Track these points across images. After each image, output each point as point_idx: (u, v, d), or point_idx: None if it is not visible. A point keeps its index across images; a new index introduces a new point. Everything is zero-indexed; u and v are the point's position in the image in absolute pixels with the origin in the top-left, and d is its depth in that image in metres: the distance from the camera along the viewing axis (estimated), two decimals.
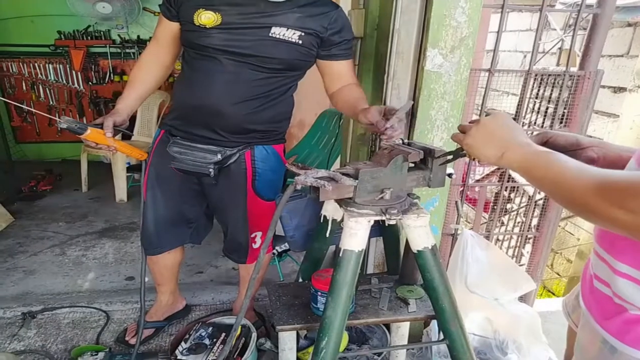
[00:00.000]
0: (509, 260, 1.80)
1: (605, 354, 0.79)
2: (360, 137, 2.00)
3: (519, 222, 2.37)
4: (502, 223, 2.37)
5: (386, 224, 1.19)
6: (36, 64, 4.62)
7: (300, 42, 1.47)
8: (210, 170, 1.54)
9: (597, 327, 0.81)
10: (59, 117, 1.35)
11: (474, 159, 0.96)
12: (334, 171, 1.18)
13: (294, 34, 1.45)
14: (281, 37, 1.44)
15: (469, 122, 0.94)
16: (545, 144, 0.95)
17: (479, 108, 1.75)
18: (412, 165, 1.21)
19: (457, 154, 1.08)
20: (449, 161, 1.15)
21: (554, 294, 4.21)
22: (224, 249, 1.86)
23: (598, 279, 0.82)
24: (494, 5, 1.60)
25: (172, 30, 1.54)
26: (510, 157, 0.82)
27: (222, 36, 1.43)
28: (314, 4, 1.49)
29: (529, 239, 2.08)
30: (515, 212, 2.36)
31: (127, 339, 1.96)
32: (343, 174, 1.16)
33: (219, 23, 1.42)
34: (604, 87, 3.49)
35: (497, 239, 2.07)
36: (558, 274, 4.31)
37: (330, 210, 1.41)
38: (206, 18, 1.42)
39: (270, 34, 1.43)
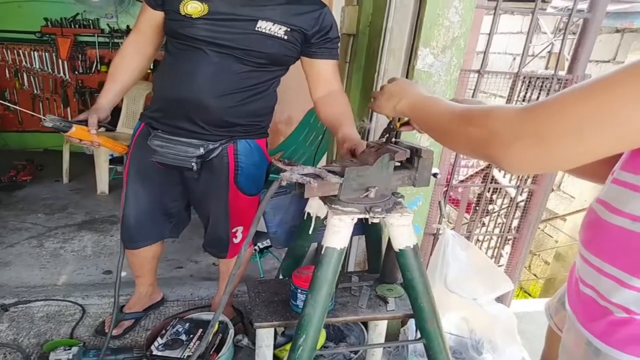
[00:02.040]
0: (488, 261, 1.82)
1: (589, 356, 0.79)
2: None
3: (499, 223, 2.39)
4: (483, 224, 2.39)
5: (369, 223, 1.18)
6: (21, 51, 4.52)
7: (286, 37, 1.46)
8: (193, 164, 1.52)
9: (582, 330, 0.81)
10: (43, 116, 1.35)
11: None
12: (320, 168, 1.16)
13: (280, 29, 1.44)
14: (267, 31, 1.43)
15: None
16: None
17: None
18: (398, 164, 1.20)
19: (389, 128, 1.18)
20: (389, 138, 1.21)
21: (530, 295, 4.28)
22: (203, 244, 1.83)
23: (584, 283, 0.83)
24: (487, 6, 1.60)
25: (156, 19, 1.51)
26: (403, 102, 0.98)
27: (207, 27, 1.40)
28: (301, 2, 1.48)
29: (509, 240, 2.09)
30: (496, 214, 2.37)
31: (106, 330, 1.92)
32: (329, 171, 1.15)
33: (206, 13, 1.40)
34: None
35: (477, 240, 2.08)
36: (535, 276, 4.38)
37: (315, 207, 1.39)
38: (192, 8, 1.39)
39: (256, 28, 1.42)
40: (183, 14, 1.39)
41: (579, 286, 0.85)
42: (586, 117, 0.57)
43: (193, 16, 1.39)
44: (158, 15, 1.50)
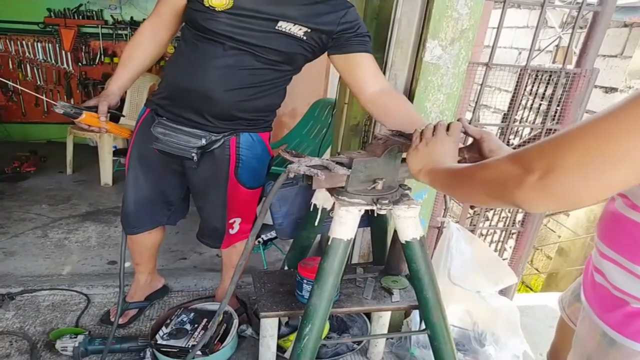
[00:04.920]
0: (492, 254, 1.82)
1: (603, 347, 0.80)
2: (352, 127, 1.98)
3: (503, 217, 2.39)
4: (487, 218, 2.39)
5: (375, 214, 1.19)
6: (24, 42, 4.49)
7: (305, 38, 1.43)
8: (193, 154, 1.51)
9: (597, 320, 0.82)
10: (55, 102, 1.35)
11: None
12: (327, 160, 1.16)
13: (300, 29, 1.41)
14: (287, 31, 1.41)
15: (427, 132, 1.03)
16: (478, 140, 1.08)
17: (474, 102, 1.74)
18: (406, 156, 1.20)
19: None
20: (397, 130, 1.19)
21: (531, 289, 4.29)
22: (198, 234, 1.84)
23: (599, 274, 0.85)
24: None
25: (177, 6, 1.48)
26: (425, 171, 0.96)
27: (229, 22, 1.38)
28: (327, 2, 1.44)
29: (513, 234, 2.09)
30: (500, 208, 2.38)
31: (112, 319, 1.93)
32: (336, 162, 1.15)
33: (230, 7, 1.38)
34: (596, 86, 3.53)
35: (481, 233, 2.08)
36: (537, 270, 4.38)
37: (321, 198, 1.40)
38: (217, 0, 1.37)
39: (276, 27, 1.40)
40: (207, 5, 1.37)
41: (594, 277, 0.87)
42: (594, 151, 0.56)
43: (217, 9, 1.37)
44: (180, 2, 1.47)
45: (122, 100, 3.83)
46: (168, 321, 1.78)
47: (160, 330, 1.73)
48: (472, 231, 1.85)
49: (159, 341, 1.68)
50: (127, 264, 2.14)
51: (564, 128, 0.62)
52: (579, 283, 1.03)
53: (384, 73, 1.63)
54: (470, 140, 1.11)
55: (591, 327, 0.84)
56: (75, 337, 1.74)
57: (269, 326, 1.44)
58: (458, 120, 1.05)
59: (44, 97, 4.33)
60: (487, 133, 1.08)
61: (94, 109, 1.44)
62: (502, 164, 0.69)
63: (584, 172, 0.57)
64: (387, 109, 1.43)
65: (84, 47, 4.62)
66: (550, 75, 1.75)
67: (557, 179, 0.58)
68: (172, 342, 1.68)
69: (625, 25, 3.39)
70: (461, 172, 0.82)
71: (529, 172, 0.61)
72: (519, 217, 2.04)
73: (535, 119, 2.13)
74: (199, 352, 1.61)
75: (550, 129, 1.78)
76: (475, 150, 1.09)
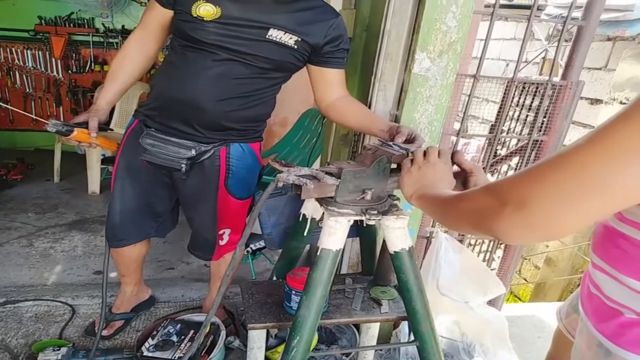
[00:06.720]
0: (481, 264, 1.82)
1: (600, 358, 0.81)
2: (342, 137, 1.99)
3: None
4: None
5: (364, 225, 1.19)
6: (14, 49, 4.46)
7: (296, 47, 1.44)
8: (183, 165, 1.50)
9: (594, 331, 0.83)
10: (47, 120, 1.37)
11: None
12: (316, 169, 1.16)
13: (290, 38, 1.42)
14: (278, 40, 1.41)
15: (418, 157, 1.03)
16: (467, 173, 1.07)
17: (462, 113, 1.76)
18: (395, 166, 1.20)
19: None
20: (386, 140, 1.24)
21: (520, 299, 4.30)
22: (189, 246, 1.82)
23: (594, 285, 0.86)
24: (484, 12, 1.61)
25: (164, 17, 1.48)
26: (415, 195, 0.97)
27: (218, 31, 1.38)
28: (315, 10, 1.46)
29: (501, 243, 2.10)
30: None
31: (96, 331, 1.89)
32: (326, 172, 1.15)
33: (218, 17, 1.37)
34: (581, 98, 3.58)
35: (469, 243, 2.09)
36: (525, 280, 4.40)
37: (310, 208, 1.39)
38: (205, 10, 1.36)
39: (267, 36, 1.40)
40: (195, 15, 1.36)
41: (589, 289, 0.88)
42: (567, 183, 0.56)
43: (205, 19, 1.37)
44: (167, 14, 1.46)
45: (111, 112, 3.83)
46: (154, 332, 1.75)
47: (147, 342, 1.70)
48: (461, 241, 1.85)
49: (145, 353, 1.65)
50: (113, 274, 2.12)
51: (538, 160, 0.63)
52: (576, 294, 1.04)
53: (374, 84, 1.64)
54: (455, 167, 1.11)
55: (589, 338, 0.85)
56: (59, 350, 1.70)
57: (257, 338, 1.42)
58: (454, 152, 1.07)
59: (33, 116, 4.27)
60: (477, 168, 1.09)
61: (84, 125, 1.44)
62: (480, 194, 0.70)
63: (558, 204, 0.57)
64: (342, 112, 1.58)
65: (74, 55, 4.59)
66: (537, 87, 1.78)
67: (532, 211, 0.59)
68: (158, 354, 1.65)
69: (609, 39, 3.47)
70: (446, 201, 0.84)
71: (504, 204, 0.62)
72: None
73: (522, 130, 2.16)
74: None
75: (537, 140, 1.80)
76: (460, 181, 1.10)
